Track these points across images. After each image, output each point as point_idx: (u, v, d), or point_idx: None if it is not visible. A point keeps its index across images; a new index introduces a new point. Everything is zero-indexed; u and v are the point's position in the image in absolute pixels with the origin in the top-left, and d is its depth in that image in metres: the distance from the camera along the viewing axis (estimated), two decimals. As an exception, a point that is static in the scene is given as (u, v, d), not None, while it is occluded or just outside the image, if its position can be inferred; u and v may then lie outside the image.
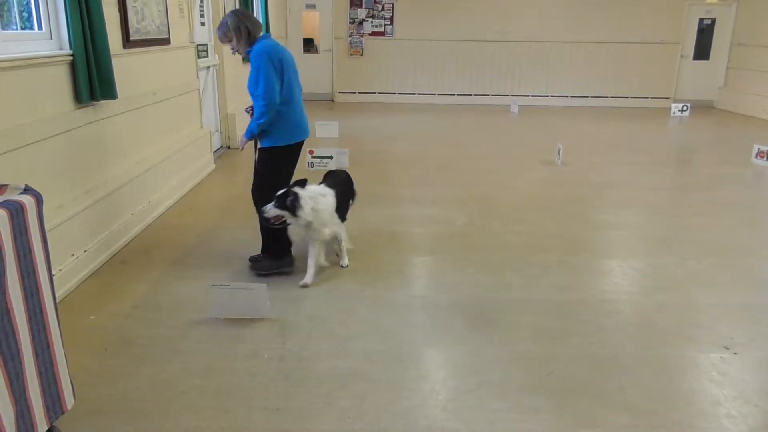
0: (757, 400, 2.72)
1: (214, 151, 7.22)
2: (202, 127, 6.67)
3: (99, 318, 3.37)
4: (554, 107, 13.03)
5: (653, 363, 3.01)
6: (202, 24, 7.10)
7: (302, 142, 3.97)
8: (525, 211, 5.56)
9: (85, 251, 3.85)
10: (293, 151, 3.94)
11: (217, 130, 7.74)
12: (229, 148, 7.97)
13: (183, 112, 6.05)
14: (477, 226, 5.11)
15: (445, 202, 5.79)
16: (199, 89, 6.60)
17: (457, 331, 3.30)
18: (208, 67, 7.29)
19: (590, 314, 3.53)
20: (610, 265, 4.36)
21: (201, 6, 7.05)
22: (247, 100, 7.19)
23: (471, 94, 13.30)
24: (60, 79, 3.74)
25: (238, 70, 8.42)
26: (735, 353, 3.11)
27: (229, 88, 7.91)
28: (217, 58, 7.57)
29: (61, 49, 3.81)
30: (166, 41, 5.50)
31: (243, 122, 8.23)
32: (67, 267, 3.63)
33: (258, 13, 9.64)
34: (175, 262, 4.18)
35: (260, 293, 3.35)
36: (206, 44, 7.22)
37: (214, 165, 6.86)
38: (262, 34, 3.79)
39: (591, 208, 5.68)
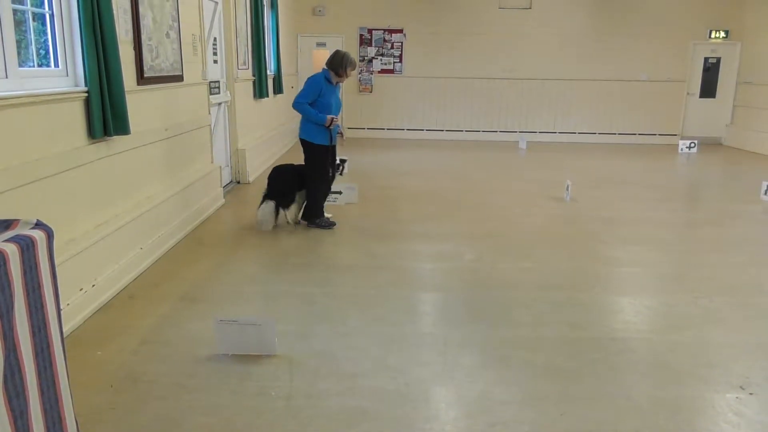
0: (777, 444, 2.64)
1: (224, 186, 7.28)
2: (212, 162, 6.74)
3: (106, 353, 3.34)
4: (562, 144, 13.10)
5: (668, 404, 2.94)
6: (215, 62, 7.25)
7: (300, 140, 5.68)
8: (534, 247, 5.53)
9: (93, 285, 3.85)
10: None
11: (228, 165, 7.81)
12: (239, 182, 8.03)
13: (194, 147, 6.13)
14: (486, 262, 5.09)
15: (454, 237, 5.77)
16: (210, 125, 6.70)
17: (468, 369, 3.24)
18: (219, 104, 7.40)
19: (602, 353, 3.47)
20: (621, 303, 4.30)
21: (214, 44, 7.20)
22: (256, 136, 7.46)
23: (479, 131, 13.41)
24: (74, 115, 3.81)
25: (248, 107, 8.55)
26: (751, 393, 3.03)
27: (239, 123, 8.01)
28: (228, 94, 7.70)
29: (76, 85, 3.89)
30: (179, 78, 5.60)
31: (253, 157, 8.31)
32: (75, 301, 3.63)
33: (269, 52, 9.85)
34: (184, 296, 4.16)
35: (268, 329, 3.32)
36: (218, 81, 7.35)
37: (224, 200, 6.90)
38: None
39: (601, 245, 5.64)
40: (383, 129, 13.42)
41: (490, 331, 3.73)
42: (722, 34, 13.01)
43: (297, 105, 5.62)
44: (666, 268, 5.11)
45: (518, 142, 12.58)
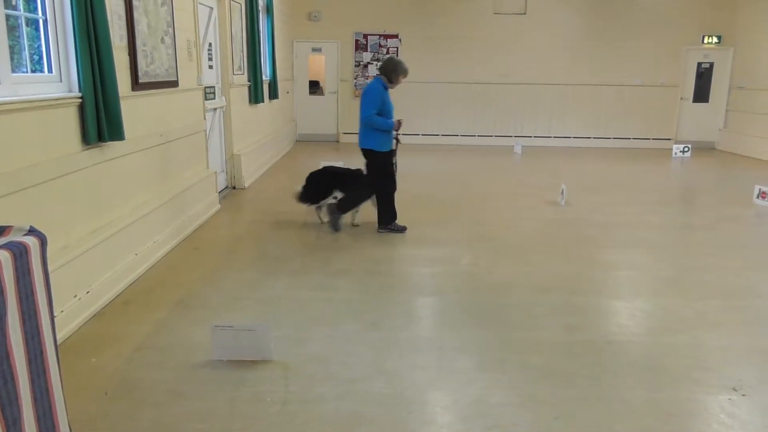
0: (772, 446, 2.65)
1: (220, 192, 7.27)
2: (208, 167, 6.74)
3: (100, 360, 3.33)
4: (557, 148, 13.14)
5: (662, 406, 2.95)
6: (210, 67, 7.25)
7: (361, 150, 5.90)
8: (530, 251, 5.54)
9: (87, 292, 3.84)
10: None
11: (223, 171, 7.81)
12: (234, 188, 8.02)
13: (189, 152, 6.12)
14: (483, 266, 5.09)
15: (451, 241, 5.78)
16: (205, 130, 6.70)
17: (464, 373, 3.24)
18: (215, 109, 7.40)
19: (598, 356, 3.47)
20: (616, 306, 4.31)
21: (209, 50, 7.21)
22: (251, 141, 7.40)
23: (475, 135, 13.43)
24: (68, 121, 3.80)
25: (244, 112, 8.56)
26: (743, 395, 3.04)
27: (235, 129, 8.02)
28: (224, 100, 7.70)
29: (70, 91, 3.88)
30: (174, 84, 5.60)
31: (248, 163, 8.31)
32: (69, 308, 3.61)
33: (265, 57, 9.86)
34: (179, 303, 4.15)
35: (264, 334, 3.31)
36: (214, 86, 7.35)
37: (219, 205, 6.89)
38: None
39: (596, 248, 5.66)
40: (378, 134, 13.42)
41: (486, 334, 3.73)
42: (715, 39, 13.10)
43: (368, 118, 5.64)
44: (661, 271, 5.12)
45: (513, 146, 12.61)
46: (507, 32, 13.09)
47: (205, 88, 6.82)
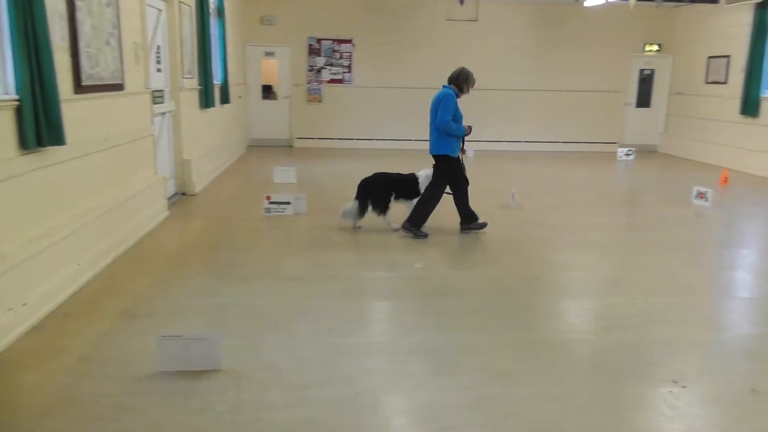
0: (710, 436, 2.76)
1: (169, 198, 7.10)
2: (156, 173, 6.57)
3: (38, 376, 3.18)
4: (509, 152, 13.38)
5: (608, 401, 3.03)
6: (159, 70, 7.08)
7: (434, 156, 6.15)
8: (482, 254, 5.61)
9: (24, 305, 3.67)
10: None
11: (173, 176, 7.63)
12: (184, 194, 7.84)
13: (136, 158, 5.95)
14: (436, 269, 5.13)
15: (404, 246, 5.80)
16: (153, 135, 6.53)
17: (417, 376, 3.26)
18: (163, 113, 7.23)
19: (547, 355, 3.54)
20: (565, 306, 4.42)
21: (157, 53, 7.05)
22: (202, 146, 7.27)
23: (428, 140, 13.53)
24: (4, 125, 3.64)
25: (194, 116, 8.39)
26: (684, 387, 3.16)
27: (185, 133, 7.84)
28: (173, 104, 7.53)
29: (6, 93, 3.72)
30: (120, 87, 5.45)
31: (200, 168, 8.15)
32: (2, 322, 3.44)
33: (216, 61, 9.71)
34: (125, 313, 4.02)
35: (214, 343, 3.24)
36: (162, 90, 7.18)
37: (168, 212, 6.72)
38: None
39: (546, 250, 5.78)
40: (334, 139, 13.39)
41: (440, 337, 3.76)
42: (656, 47, 13.63)
43: (445, 122, 5.91)
44: (607, 270, 5.28)
45: (466, 150, 12.76)
46: (460, 38, 13.27)
47: (153, 91, 6.65)
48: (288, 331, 3.78)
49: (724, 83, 11.83)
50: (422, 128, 13.57)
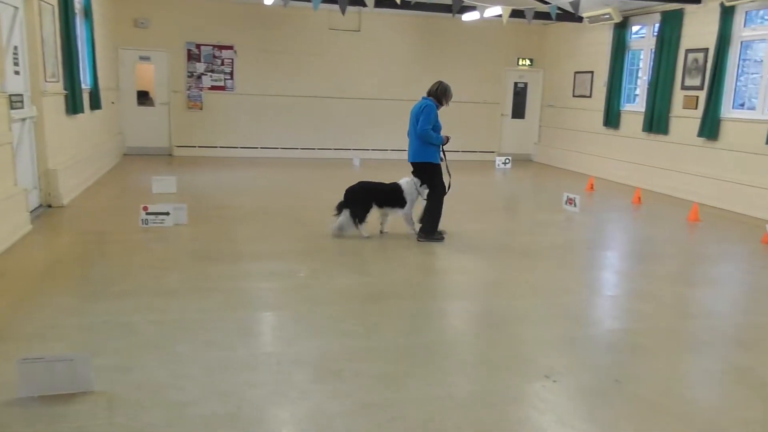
0: (574, 422, 2.98)
1: (32, 211, 6.53)
2: (16, 184, 6.03)
3: None
4: (394, 160, 13.69)
5: (486, 398, 3.20)
6: (17, 73, 6.51)
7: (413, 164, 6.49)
8: (367, 261, 5.70)
9: None
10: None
11: (36, 188, 7.03)
12: (50, 206, 7.25)
13: (-9, 167, 5.43)
14: (320, 278, 5.14)
15: (288, 255, 5.76)
16: (12, 143, 5.99)
17: (301, 386, 3.24)
18: (23, 119, 6.65)
19: (429, 357, 3.67)
20: (446, 309, 4.60)
21: (15, 54, 6.48)
22: (70, 155, 6.84)
23: (315, 148, 13.55)
24: None
25: (60, 123, 7.79)
26: (554, 381, 3.40)
27: (49, 141, 7.26)
28: (34, 109, 6.94)
29: None
30: (-31, 90, 4.95)
31: (67, 178, 7.58)
32: None
33: (85, 64, 9.10)
34: (-22, 337, 3.65)
35: (83, 364, 3.03)
36: (21, 94, 6.61)
37: (31, 226, 6.19)
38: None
39: (428, 255, 5.98)
40: (215, 147, 13.00)
41: (323, 345, 3.77)
42: (528, 61, 14.60)
43: (425, 131, 6.19)
44: (486, 274, 5.56)
45: (352, 159, 12.92)
46: (343, 48, 13.43)
47: (11, 96, 6.11)
48: (165, 348, 3.61)
49: (589, 97, 12.92)
50: (308, 137, 13.66)
